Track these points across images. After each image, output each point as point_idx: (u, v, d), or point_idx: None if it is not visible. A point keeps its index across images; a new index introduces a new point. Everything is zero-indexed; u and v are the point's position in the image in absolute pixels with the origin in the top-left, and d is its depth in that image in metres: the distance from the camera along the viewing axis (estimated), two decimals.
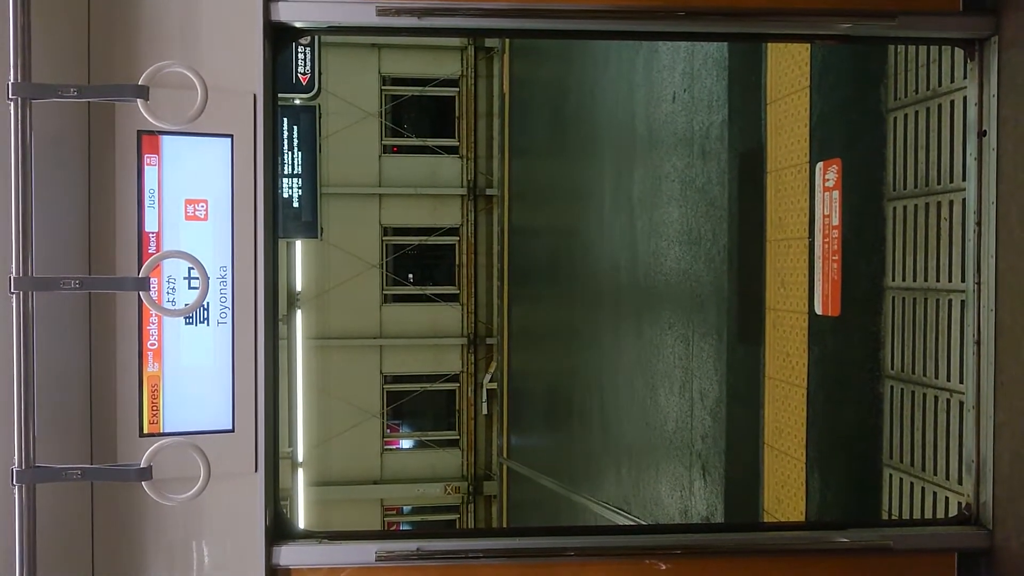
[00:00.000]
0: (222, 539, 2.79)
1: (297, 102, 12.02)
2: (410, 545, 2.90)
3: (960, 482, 3.28)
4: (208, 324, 2.74)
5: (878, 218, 4.12)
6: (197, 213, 2.72)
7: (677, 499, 6.61)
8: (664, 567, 2.95)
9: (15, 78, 2.22)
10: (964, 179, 3.21)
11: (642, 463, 7.62)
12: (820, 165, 4.58)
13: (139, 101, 2.27)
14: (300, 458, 13.39)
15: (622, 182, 8.38)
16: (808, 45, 4.69)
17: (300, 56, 11.79)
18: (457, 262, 17.74)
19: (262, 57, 2.76)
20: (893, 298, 3.99)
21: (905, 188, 3.92)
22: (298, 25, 2.86)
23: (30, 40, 2.25)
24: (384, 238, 17.32)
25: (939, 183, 3.64)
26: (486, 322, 17.50)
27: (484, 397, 17.20)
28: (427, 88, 17.57)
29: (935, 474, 3.65)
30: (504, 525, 15.34)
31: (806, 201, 4.73)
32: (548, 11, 2.90)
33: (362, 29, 3.02)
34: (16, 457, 2.21)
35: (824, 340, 4.61)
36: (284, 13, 2.80)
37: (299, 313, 13.87)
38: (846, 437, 4.45)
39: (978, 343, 3.07)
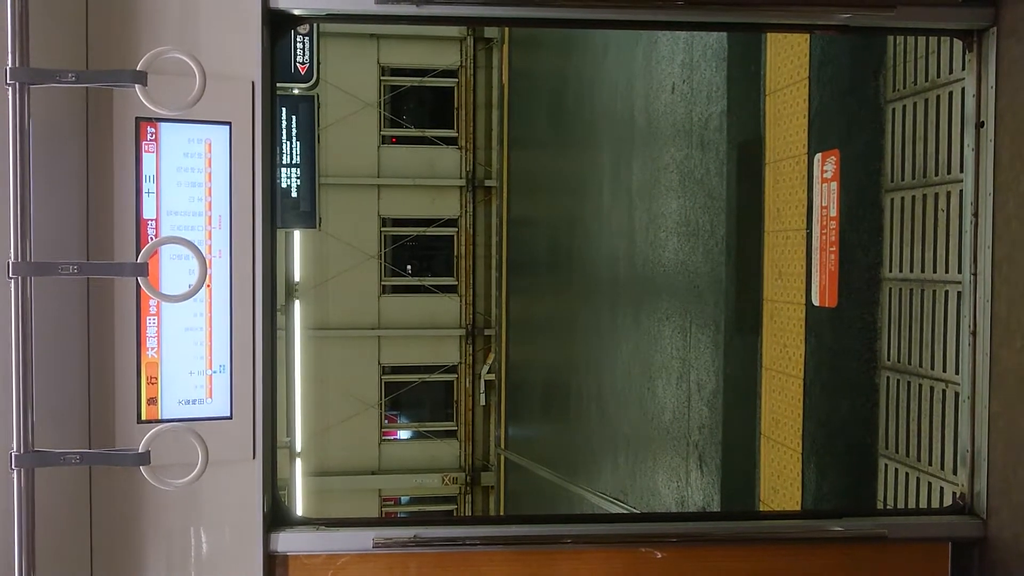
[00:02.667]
0: (220, 525, 2.81)
1: (296, 92, 11.99)
2: (407, 532, 2.91)
3: (955, 472, 3.30)
4: (207, 311, 2.74)
5: (876, 209, 4.12)
6: (196, 200, 2.73)
7: (674, 489, 6.64)
8: (660, 555, 2.97)
9: (13, 63, 2.21)
10: (961, 170, 3.21)
11: (639, 454, 7.65)
12: (818, 156, 4.59)
13: (137, 87, 2.26)
14: (298, 448, 13.41)
15: (621, 173, 8.38)
16: (807, 36, 4.68)
17: (299, 46, 11.75)
18: (456, 253, 17.73)
19: (261, 44, 2.75)
20: (890, 289, 4.00)
21: (903, 179, 3.93)
22: (297, 12, 2.86)
23: (28, 25, 2.25)
24: (382, 229, 17.31)
25: (936, 174, 3.65)
26: (484, 313, 17.50)
27: (482, 388, 17.23)
28: (426, 79, 17.53)
29: (930, 464, 3.67)
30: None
31: (804, 192, 4.74)
32: None
33: (360, 17, 3.01)
34: (15, 442, 2.22)
35: (821, 331, 4.62)
36: (283, 0, 2.80)
37: (297, 303, 13.86)
38: (842, 427, 4.47)
39: (974, 334, 3.08)
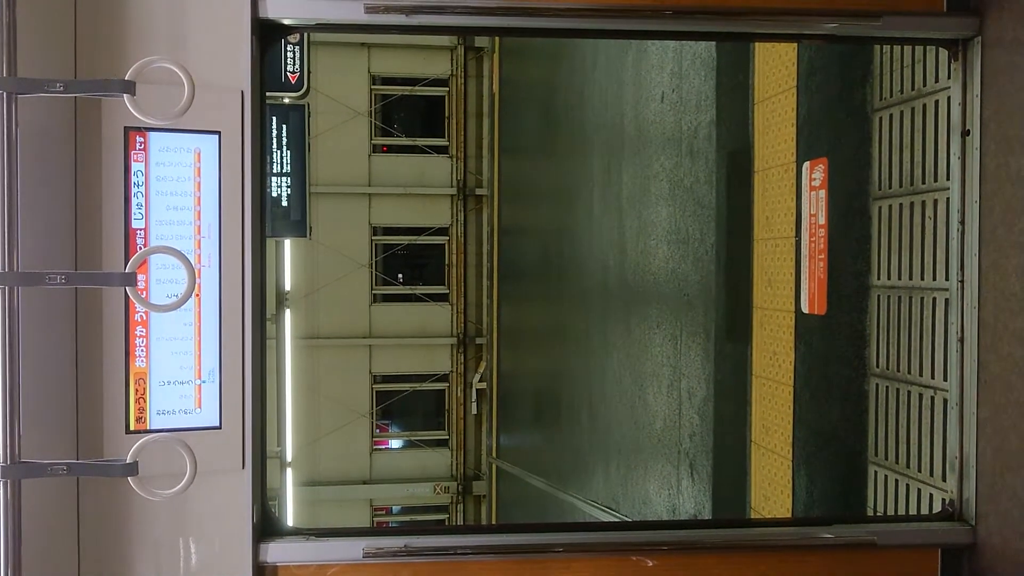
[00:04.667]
0: (209, 536, 2.79)
1: (286, 101, 11.98)
2: (398, 541, 2.90)
3: (944, 478, 3.32)
4: (195, 321, 2.73)
5: (863, 217, 4.15)
6: (185, 210, 2.72)
7: (665, 497, 6.64)
8: (651, 563, 2.97)
9: (1, 72, 2.21)
10: (948, 178, 3.24)
11: (630, 462, 7.65)
12: (807, 164, 4.61)
13: (126, 96, 2.26)
14: (289, 458, 13.35)
15: (611, 182, 8.40)
16: (795, 45, 4.72)
17: (289, 55, 11.76)
18: (447, 262, 17.73)
19: (250, 54, 2.76)
20: (878, 296, 4.02)
21: (890, 187, 3.95)
22: (286, 22, 2.87)
23: (16, 34, 2.25)
24: (373, 238, 17.30)
25: (923, 182, 3.67)
26: (476, 322, 17.50)
27: (473, 397, 17.20)
28: (417, 88, 17.56)
29: (919, 471, 3.68)
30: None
31: (793, 200, 4.76)
32: (536, 9, 2.92)
33: (350, 26, 3.02)
34: (1, 453, 2.21)
35: (810, 338, 4.64)
36: (272, 9, 2.81)
37: (288, 312, 13.82)
38: (832, 434, 4.48)
39: (961, 341, 3.10)
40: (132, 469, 2.25)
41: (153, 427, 2.68)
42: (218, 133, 2.72)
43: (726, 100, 5.70)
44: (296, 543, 2.89)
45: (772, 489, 4.96)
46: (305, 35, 11.02)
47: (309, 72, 12.03)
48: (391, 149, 17.64)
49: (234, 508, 2.78)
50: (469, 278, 17.57)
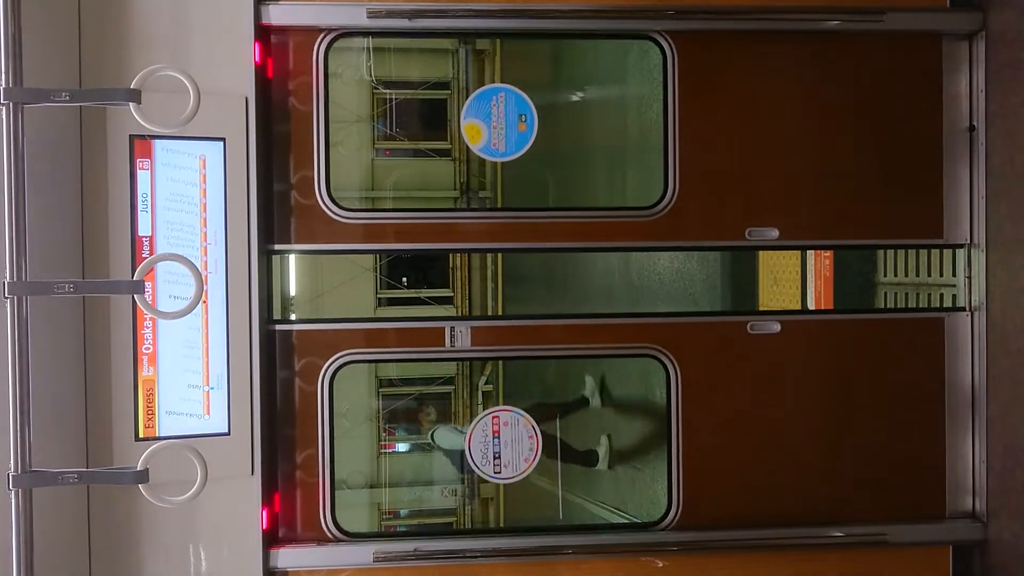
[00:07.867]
0: (219, 542, 2.80)
1: None
2: (408, 545, 2.91)
3: None
4: (203, 327, 2.74)
5: None
6: (191, 216, 2.73)
7: None
8: (661, 564, 2.97)
9: (7, 83, 2.22)
10: None
11: (638, 462, 7.62)
12: None
13: (131, 105, 2.27)
14: None
15: (615, 181, 8.38)
16: None
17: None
18: (451, 264, 17.73)
19: (253, 60, 2.77)
20: (884, 293, 4.01)
21: None
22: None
23: (21, 45, 2.25)
24: None
25: None
26: None
27: (480, 400, 17.18)
28: (419, 90, 17.58)
29: None
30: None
31: None
32: (537, 11, 2.92)
33: (353, 31, 3.03)
34: (13, 462, 2.21)
35: None
36: (275, 16, 2.82)
37: (293, 318, 13.85)
38: None
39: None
40: (143, 476, 2.25)
41: (162, 434, 2.69)
42: (223, 140, 2.73)
43: None
44: (306, 548, 2.90)
45: None
46: None
47: None
48: (393, 152, 17.66)
49: (243, 514, 2.78)
50: (473, 281, 17.56)
